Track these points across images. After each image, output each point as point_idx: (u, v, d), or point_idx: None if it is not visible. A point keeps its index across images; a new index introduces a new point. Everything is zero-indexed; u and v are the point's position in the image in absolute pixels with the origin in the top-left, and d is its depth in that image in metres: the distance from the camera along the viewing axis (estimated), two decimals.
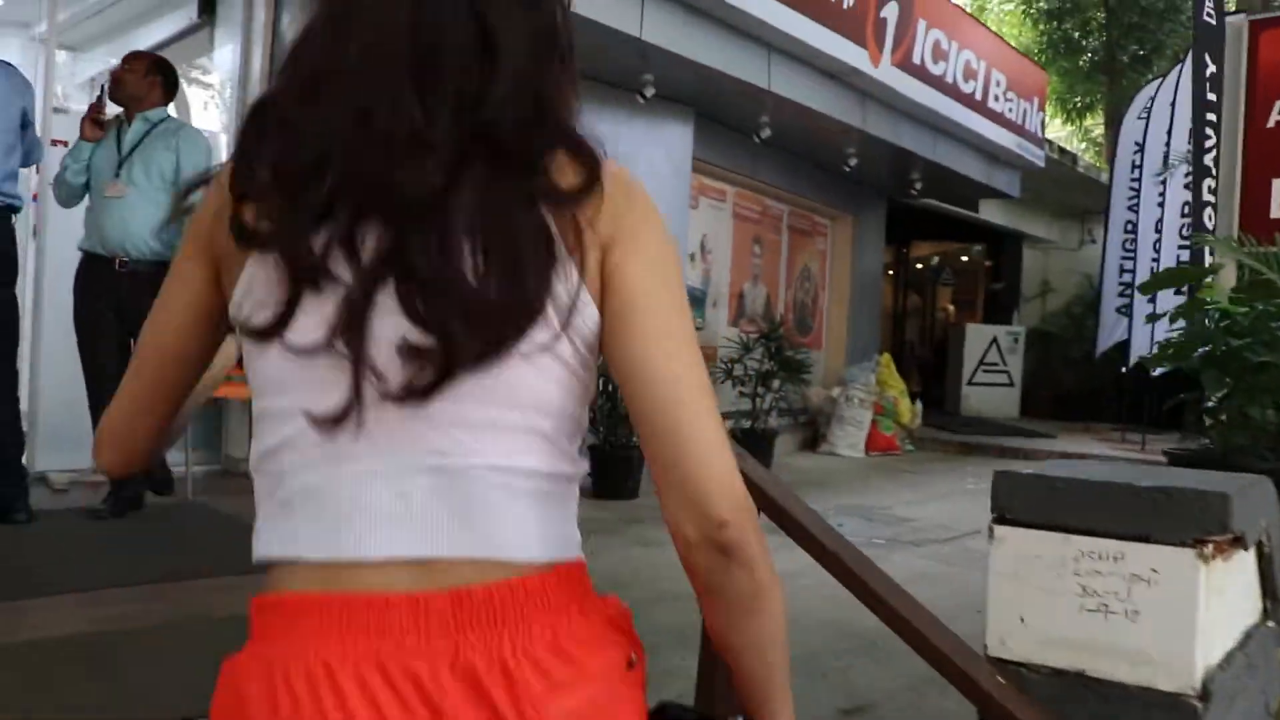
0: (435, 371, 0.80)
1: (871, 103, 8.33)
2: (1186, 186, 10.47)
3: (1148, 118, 11.75)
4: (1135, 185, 12.02)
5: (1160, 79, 12.14)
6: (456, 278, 0.79)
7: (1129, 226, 12.25)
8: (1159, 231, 11.11)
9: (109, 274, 4.31)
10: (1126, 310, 12.16)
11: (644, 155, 7.34)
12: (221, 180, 0.86)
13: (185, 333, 0.92)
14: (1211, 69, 8.11)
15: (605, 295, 0.86)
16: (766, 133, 7.97)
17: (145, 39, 6.33)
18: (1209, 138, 8.12)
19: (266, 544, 0.86)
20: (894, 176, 10.31)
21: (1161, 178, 10.72)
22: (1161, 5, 16.43)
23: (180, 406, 0.96)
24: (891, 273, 15.93)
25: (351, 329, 0.80)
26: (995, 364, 14.41)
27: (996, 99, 9.71)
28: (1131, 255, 12.13)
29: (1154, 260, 11.13)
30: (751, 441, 8.46)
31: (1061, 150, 12.85)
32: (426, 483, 0.83)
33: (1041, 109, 10.72)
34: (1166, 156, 10.86)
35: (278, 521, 0.86)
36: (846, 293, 11.33)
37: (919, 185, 10.23)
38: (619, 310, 0.85)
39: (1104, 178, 13.73)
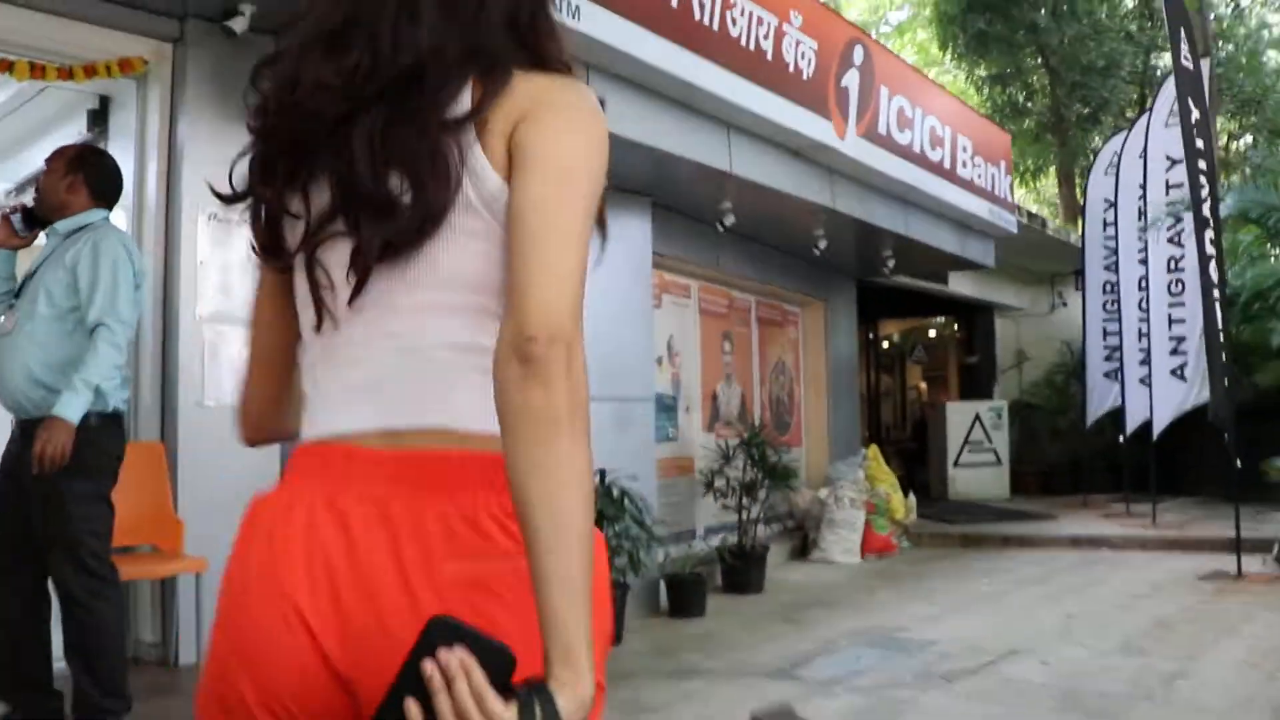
0: (358, 267, 1.02)
1: (839, 178, 7.76)
2: (1170, 240, 10.05)
3: (1116, 172, 11.39)
4: (1111, 243, 11.64)
5: (1125, 131, 11.84)
6: (365, 190, 1.00)
7: (1108, 287, 11.86)
8: (1143, 289, 10.66)
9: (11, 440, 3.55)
10: (1116, 375, 11.71)
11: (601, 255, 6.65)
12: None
13: (264, 304, 1.18)
14: (1196, 115, 7.65)
15: (512, 162, 1.01)
16: (730, 219, 7.36)
17: (35, 158, 5.66)
18: (1203, 186, 7.63)
19: (302, 424, 1.11)
20: (865, 255, 9.79)
21: (1143, 234, 10.26)
22: (1102, 62, 16.38)
23: (291, 376, 1.17)
24: (861, 354, 15.49)
25: (307, 252, 1.06)
26: (980, 442, 13.93)
27: (965, 165, 9.22)
28: (1115, 316, 11.74)
29: (1142, 320, 10.71)
30: (741, 560, 7.71)
31: (1030, 214, 12.41)
32: (393, 362, 1.02)
33: (1009, 172, 10.27)
34: (1143, 211, 10.44)
35: (304, 410, 1.10)
36: (823, 383, 10.76)
37: (891, 263, 9.68)
38: (516, 169, 1.00)
39: (1072, 238, 13.36)
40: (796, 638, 6.22)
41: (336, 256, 1.06)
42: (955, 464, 13.88)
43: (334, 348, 1.08)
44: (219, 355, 4.37)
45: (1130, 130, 11.53)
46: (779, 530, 9.24)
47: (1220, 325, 7.95)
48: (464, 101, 1.03)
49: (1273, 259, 9.40)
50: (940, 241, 9.46)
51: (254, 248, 1.16)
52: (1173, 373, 10.21)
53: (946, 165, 8.92)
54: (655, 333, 7.58)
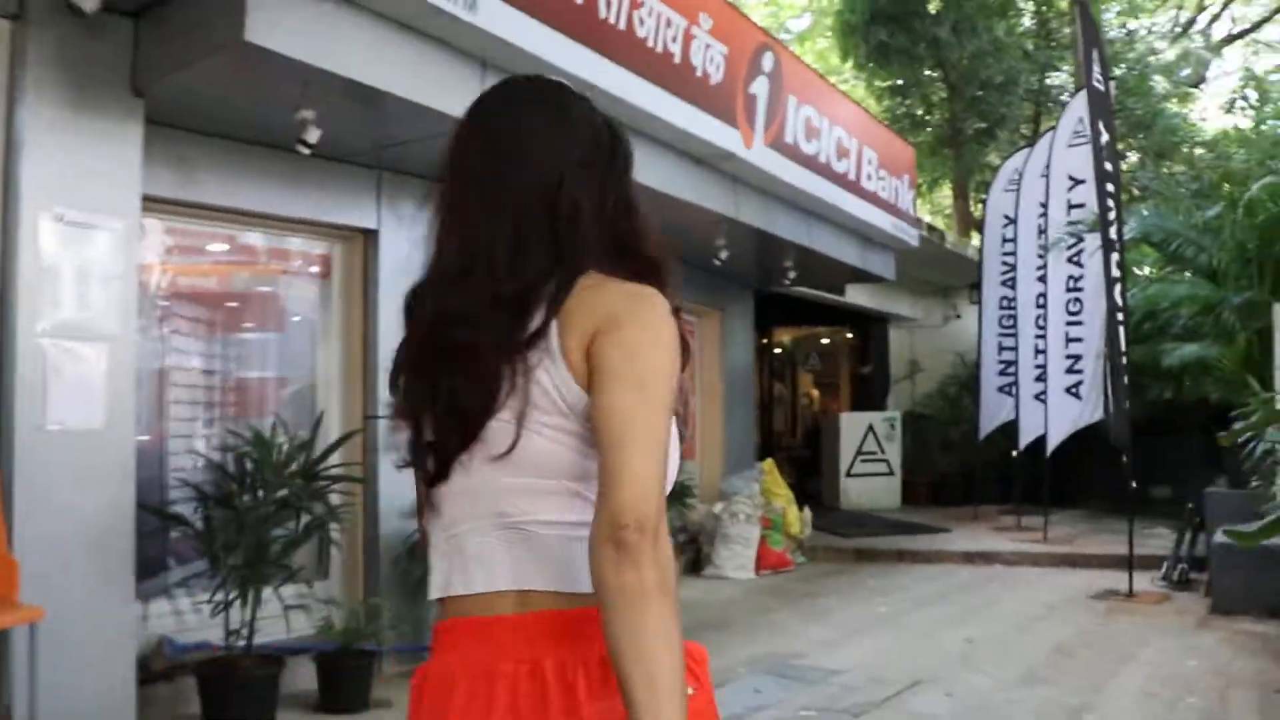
0: (435, 461, 1.29)
1: (744, 188, 7.56)
2: (1071, 260, 10.11)
3: (1018, 190, 11.45)
4: (1009, 259, 11.69)
5: (1028, 149, 11.92)
6: (454, 384, 1.25)
7: (1005, 302, 11.90)
8: (1041, 307, 10.72)
9: None
10: (1010, 389, 11.77)
11: None
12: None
13: None
14: (1105, 137, 7.65)
15: (591, 372, 1.20)
16: None
17: None
18: (1111, 209, 7.63)
19: (431, 591, 1.35)
20: (766, 266, 9.62)
21: (1043, 252, 10.32)
22: (1000, 78, 16.57)
23: None
24: (754, 361, 15.40)
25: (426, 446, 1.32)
26: (874, 452, 13.96)
27: (870, 178, 9.12)
28: (1011, 332, 11.79)
29: (1039, 337, 10.77)
30: None
31: (930, 227, 12.44)
32: (500, 535, 1.25)
33: (912, 186, 10.22)
34: (1043, 229, 10.51)
35: (431, 564, 1.35)
36: (719, 395, 10.57)
37: (792, 274, 9.52)
38: (596, 378, 1.19)
39: (969, 252, 13.45)
40: None
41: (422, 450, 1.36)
42: (848, 474, 13.89)
43: (443, 524, 1.34)
44: (64, 373, 3.91)
45: (1033, 148, 11.61)
46: (675, 541, 9.01)
47: (1124, 348, 7.97)
48: (538, 319, 1.25)
49: (1170, 282, 9.51)
50: (842, 254, 9.34)
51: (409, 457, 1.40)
52: (1068, 390, 10.28)
53: (852, 177, 8.79)
54: None
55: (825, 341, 18.19)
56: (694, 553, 9.51)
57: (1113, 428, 7.96)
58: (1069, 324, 10.30)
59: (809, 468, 15.32)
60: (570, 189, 1.34)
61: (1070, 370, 10.32)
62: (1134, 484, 8.09)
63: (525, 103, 1.37)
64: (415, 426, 1.36)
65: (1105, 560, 9.24)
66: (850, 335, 16.95)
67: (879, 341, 15.69)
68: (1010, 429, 11.49)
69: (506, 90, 1.40)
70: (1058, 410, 10.30)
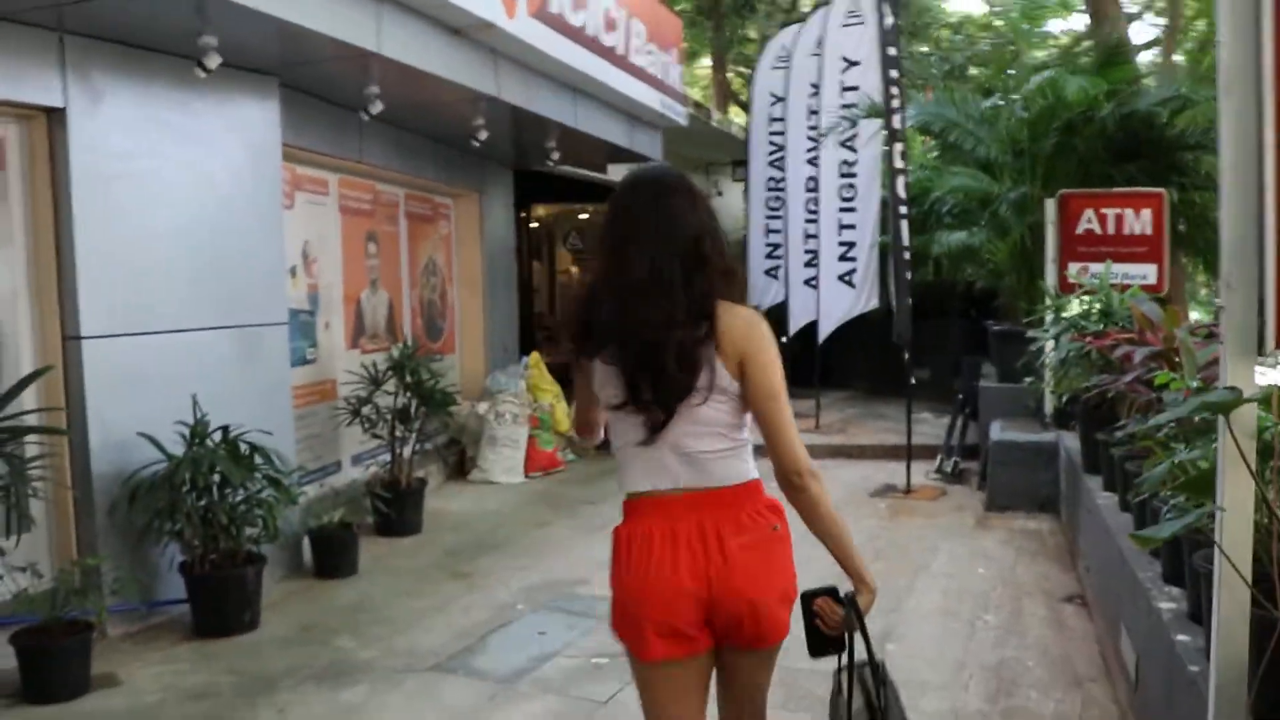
0: (663, 414, 2.21)
1: (505, 63, 6.82)
2: (845, 145, 9.91)
3: (787, 67, 11.10)
4: (778, 139, 11.43)
5: (797, 26, 11.56)
6: (668, 371, 2.17)
7: (773, 184, 11.70)
8: (812, 191, 10.53)
9: None
10: (777, 273, 11.67)
11: (211, 146, 5.47)
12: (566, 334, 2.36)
13: (588, 389, 2.37)
14: (890, 20, 7.32)
15: (743, 375, 2.19)
16: (377, 107, 6.23)
17: None
18: (895, 97, 7.34)
19: (625, 484, 2.32)
20: (528, 146, 8.98)
21: (816, 135, 10.06)
22: None
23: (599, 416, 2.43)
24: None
25: (640, 403, 2.21)
26: None
27: (638, 52, 8.52)
28: (778, 214, 11.63)
29: (810, 220, 10.63)
30: (395, 498, 6.84)
31: (696, 104, 11.99)
32: (678, 458, 2.23)
33: (680, 61, 9.68)
34: (814, 110, 10.24)
35: (625, 474, 2.31)
36: (479, 282, 10.00)
37: (556, 155, 8.88)
38: (748, 383, 2.19)
39: (734, 129, 13.15)
40: (466, 602, 5.53)
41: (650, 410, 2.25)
42: None
43: (649, 449, 2.27)
44: None
45: (803, 25, 11.26)
46: (436, 446, 8.43)
47: (906, 242, 7.82)
48: (701, 331, 2.21)
49: (943, 171, 9.45)
50: (609, 133, 8.78)
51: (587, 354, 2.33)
52: (841, 279, 10.24)
53: (620, 51, 8.18)
54: (287, 238, 6.40)
55: (584, 218, 17.77)
56: (458, 455, 9.09)
57: (895, 325, 7.87)
58: (842, 210, 10.21)
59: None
60: (704, 242, 2.25)
61: (844, 258, 10.28)
62: (912, 379, 8.05)
63: (674, 190, 2.30)
64: (633, 385, 2.24)
65: (879, 451, 9.36)
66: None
67: None
68: (778, 312, 11.44)
69: (660, 180, 2.34)
70: (831, 298, 10.27)
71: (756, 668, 2.36)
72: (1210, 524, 2.40)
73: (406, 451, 7.16)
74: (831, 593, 2.21)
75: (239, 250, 5.66)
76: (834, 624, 2.19)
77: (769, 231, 11.86)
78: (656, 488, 2.29)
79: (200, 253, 5.43)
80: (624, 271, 2.24)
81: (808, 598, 2.21)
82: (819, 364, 10.88)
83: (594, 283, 2.32)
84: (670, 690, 2.35)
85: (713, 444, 2.26)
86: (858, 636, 2.20)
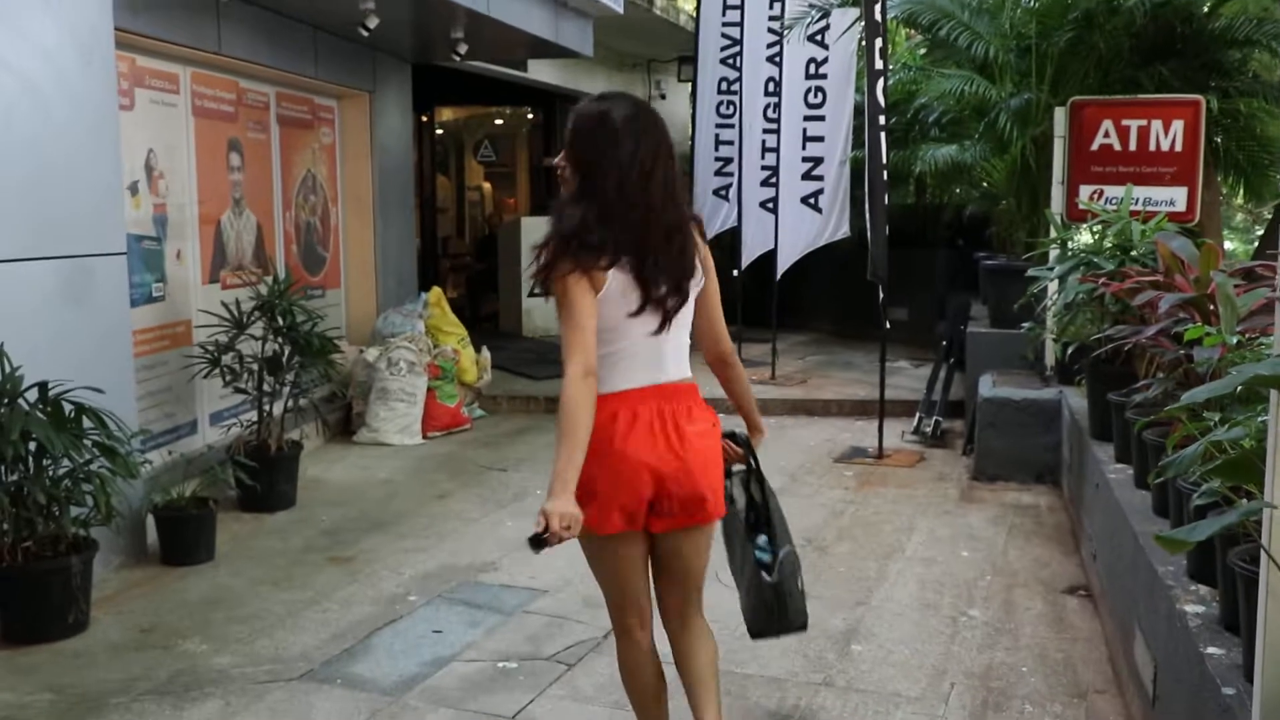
0: (677, 307, 3.05)
1: None
2: (813, 39, 9.74)
3: None
4: (733, 32, 11.33)
5: None
6: (679, 273, 3.04)
7: (725, 85, 11.62)
8: (773, 95, 10.38)
9: None
10: (727, 194, 11.60)
11: (18, 29, 5.13)
12: (562, 254, 2.91)
13: (591, 310, 2.89)
14: None
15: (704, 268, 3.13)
16: None
17: None
18: None
19: (615, 384, 2.98)
20: (429, 36, 8.75)
21: (778, 25, 9.88)
22: None
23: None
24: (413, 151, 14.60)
25: (656, 301, 3.01)
26: None
27: None
28: (731, 123, 11.61)
29: (769, 130, 10.58)
30: (263, 467, 6.61)
31: None
32: (678, 352, 3.09)
33: None
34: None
35: (617, 375, 2.98)
36: (369, 202, 9.83)
37: (463, 47, 8.62)
38: (707, 284, 3.13)
39: (681, 20, 12.95)
40: (347, 594, 5.39)
41: (662, 292, 3.00)
42: (531, 293, 13.56)
43: (658, 341, 3.00)
44: None
45: None
46: (314, 401, 8.22)
47: (884, 158, 7.69)
48: (694, 231, 3.11)
49: (932, 73, 9.32)
50: (529, 22, 8.54)
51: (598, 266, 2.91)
52: (805, 201, 10.19)
53: None
54: (125, 148, 6.10)
55: (500, 124, 17.55)
56: (344, 410, 9.01)
57: (871, 258, 7.78)
58: (809, 119, 10.14)
59: (483, 283, 15.17)
60: (677, 164, 3.13)
61: (809, 176, 10.24)
62: (887, 323, 7.98)
63: (658, 120, 3.08)
64: (646, 288, 2.96)
65: (846, 408, 9.37)
66: (532, 117, 16.53)
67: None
68: (728, 241, 11.35)
69: (650, 110, 3.09)
70: (792, 224, 10.22)
71: (700, 547, 3.21)
72: (1255, 519, 2.29)
73: (277, 409, 6.99)
74: (730, 436, 3.28)
75: (61, 162, 5.34)
76: (735, 456, 3.29)
77: (719, 143, 11.77)
78: (656, 380, 3.06)
79: (9, 166, 5.11)
80: (641, 184, 2.97)
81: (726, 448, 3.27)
82: (776, 302, 10.85)
83: (587, 198, 2.95)
84: (629, 562, 3.18)
85: (684, 339, 3.12)
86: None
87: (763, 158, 10.83)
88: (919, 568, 5.70)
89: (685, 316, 3.07)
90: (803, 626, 3.40)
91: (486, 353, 9.87)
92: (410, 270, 10.48)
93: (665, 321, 3.01)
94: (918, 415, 8.62)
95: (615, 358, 2.99)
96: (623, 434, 2.97)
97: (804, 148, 10.26)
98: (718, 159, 11.77)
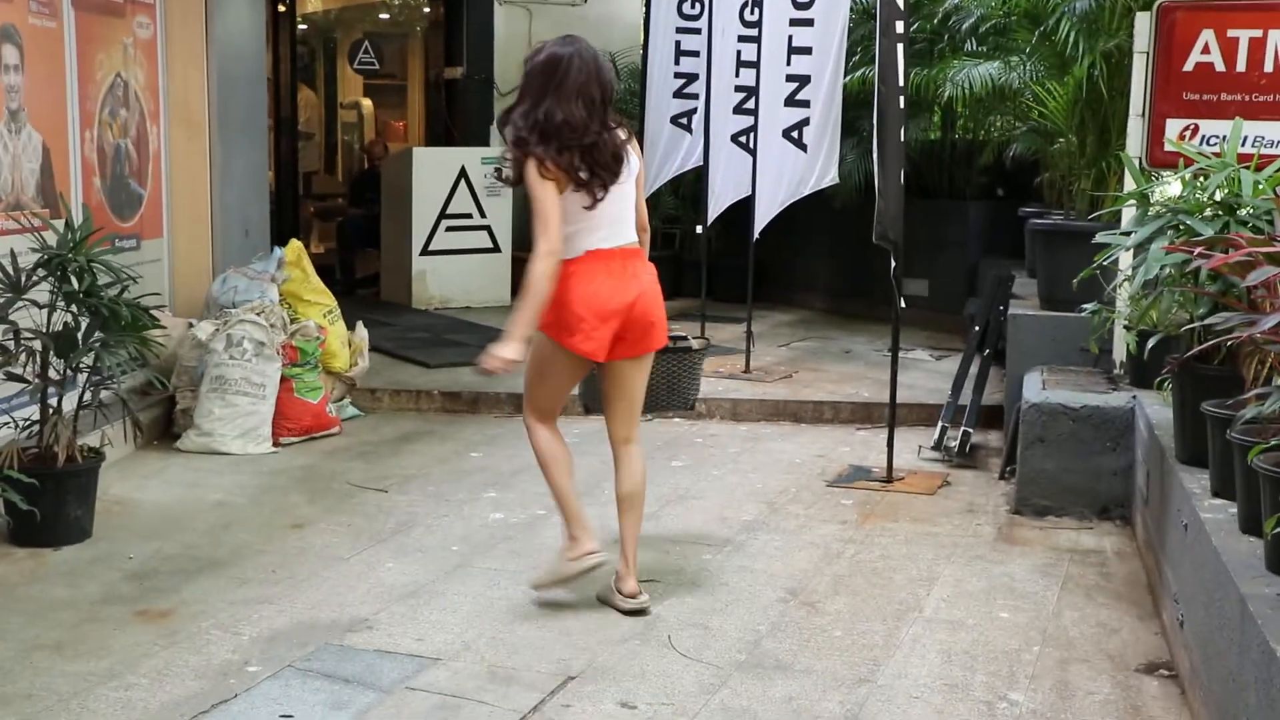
0: (603, 191, 5.91)
1: None
2: None
3: None
4: None
5: None
6: (609, 159, 5.94)
7: None
8: None
9: None
10: (689, 123, 11.66)
11: None
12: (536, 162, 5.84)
13: (558, 205, 5.85)
14: None
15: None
16: None
17: None
18: None
19: (580, 248, 5.86)
20: None
21: None
22: None
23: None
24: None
25: (594, 188, 5.92)
26: (468, 216, 14.04)
27: None
28: (697, 25, 11.72)
29: (748, 38, 10.64)
30: (45, 484, 6.48)
31: None
32: (621, 221, 6.04)
33: None
34: None
35: (581, 240, 5.87)
36: (203, 121, 9.99)
37: None
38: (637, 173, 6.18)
39: None
40: (161, 663, 5.27)
41: (600, 183, 5.85)
42: (425, 249, 13.83)
43: (596, 219, 5.81)
44: None
45: None
46: (121, 394, 8.08)
47: (900, 79, 7.62)
48: (624, 134, 6.04)
49: None
50: None
51: (577, 178, 5.72)
52: (788, 134, 10.25)
53: None
54: None
55: (387, 20, 17.53)
56: (164, 407, 8.99)
57: (879, 214, 7.67)
58: (795, 23, 10.16)
59: (358, 236, 15.34)
60: (613, 85, 6.00)
61: (792, 100, 10.24)
62: (900, 299, 7.91)
63: (595, 50, 5.93)
64: (584, 181, 5.70)
65: (844, 413, 9.48)
66: (429, 11, 16.73)
67: (478, 27, 15.60)
68: (690, 186, 11.26)
69: (588, 47, 5.85)
70: (775, 165, 10.32)
71: (644, 371, 5.92)
72: None
73: (69, 403, 6.88)
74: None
75: None
76: None
77: (680, 54, 11.82)
78: (611, 243, 5.72)
79: None
80: (579, 101, 5.61)
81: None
82: (752, 270, 10.87)
83: (540, 111, 5.61)
84: (571, 372, 5.92)
85: (628, 209, 5.79)
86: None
87: (737, 75, 10.82)
88: (942, 633, 5.68)
89: (621, 198, 5.83)
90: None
91: (363, 331, 9.89)
92: (261, 216, 10.52)
93: (597, 201, 5.72)
94: (940, 424, 8.59)
95: (573, 226, 5.73)
96: (576, 283, 5.67)
97: (788, 63, 10.26)
98: (678, 75, 11.79)
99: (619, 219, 5.85)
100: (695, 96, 11.54)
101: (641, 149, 12.23)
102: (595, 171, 5.72)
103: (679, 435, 9.22)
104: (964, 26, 9.45)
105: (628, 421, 5.97)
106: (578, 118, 5.68)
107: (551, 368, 5.90)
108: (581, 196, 5.71)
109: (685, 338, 6.71)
